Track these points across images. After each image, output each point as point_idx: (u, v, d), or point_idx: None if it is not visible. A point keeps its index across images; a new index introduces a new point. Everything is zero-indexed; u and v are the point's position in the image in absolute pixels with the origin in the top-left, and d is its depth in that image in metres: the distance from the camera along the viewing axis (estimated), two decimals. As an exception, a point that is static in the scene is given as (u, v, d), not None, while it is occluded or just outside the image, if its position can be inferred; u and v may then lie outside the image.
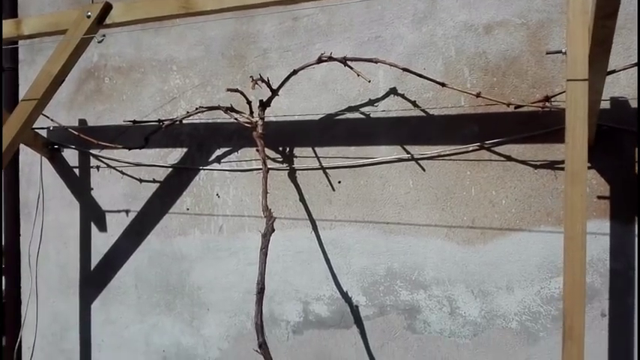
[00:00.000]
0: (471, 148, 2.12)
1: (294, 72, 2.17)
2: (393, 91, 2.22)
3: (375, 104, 2.25)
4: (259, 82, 2.13)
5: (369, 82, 2.01)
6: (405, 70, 2.03)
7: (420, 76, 2.02)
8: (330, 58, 2.07)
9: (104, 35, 2.76)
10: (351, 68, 2.04)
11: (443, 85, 2.00)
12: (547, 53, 1.64)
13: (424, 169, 2.19)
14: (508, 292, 2.07)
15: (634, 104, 1.93)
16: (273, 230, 1.92)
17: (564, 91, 1.88)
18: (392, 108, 2.22)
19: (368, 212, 2.27)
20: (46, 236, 2.90)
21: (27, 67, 2.94)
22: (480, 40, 2.12)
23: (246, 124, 2.27)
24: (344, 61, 2.04)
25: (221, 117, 2.49)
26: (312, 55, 2.34)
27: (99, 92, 2.79)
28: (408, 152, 2.21)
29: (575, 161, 1.47)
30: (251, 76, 2.12)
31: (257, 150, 2.21)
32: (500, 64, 2.10)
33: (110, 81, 2.77)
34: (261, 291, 1.77)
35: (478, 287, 2.11)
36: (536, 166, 2.05)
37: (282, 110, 2.40)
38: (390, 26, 2.24)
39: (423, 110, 2.18)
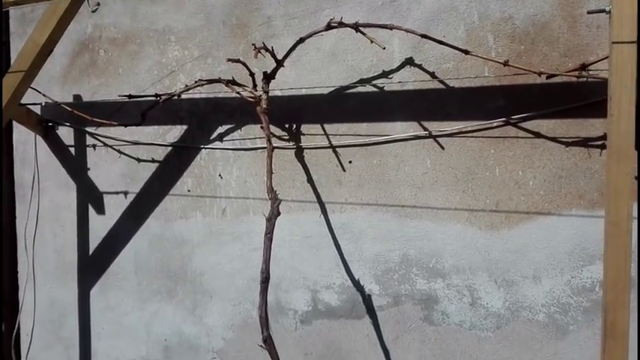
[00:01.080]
0: (495, 124, 1.94)
1: (301, 40, 1.99)
2: (409, 62, 2.04)
3: (390, 76, 2.07)
4: (263, 51, 1.95)
5: (384, 49, 1.83)
6: (423, 36, 1.84)
7: (441, 42, 1.83)
8: (341, 24, 1.89)
9: (98, 4, 2.59)
10: (364, 35, 1.85)
11: (466, 52, 1.81)
12: (588, 12, 1.45)
13: (443, 148, 2.01)
14: (535, 281, 1.91)
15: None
16: (279, 214, 1.77)
17: (604, 58, 1.70)
18: (408, 80, 2.04)
19: (381, 194, 2.11)
20: (42, 219, 2.78)
21: (19, 39, 2.78)
22: (505, 4, 1.92)
23: (250, 99, 2.10)
24: (356, 27, 1.86)
25: (223, 91, 2.32)
26: (320, 22, 2.15)
27: (94, 66, 2.63)
28: (425, 129, 2.03)
29: (620, 136, 1.30)
30: (253, 44, 1.95)
31: (261, 127, 2.05)
32: (528, 30, 1.90)
33: (105, 54, 2.60)
34: (265, 280, 1.63)
35: (502, 276, 1.95)
36: (567, 144, 1.87)
37: (288, 83, 2.22)
38: (406, -11, 2.04)
39: (443, 82, 2.00)
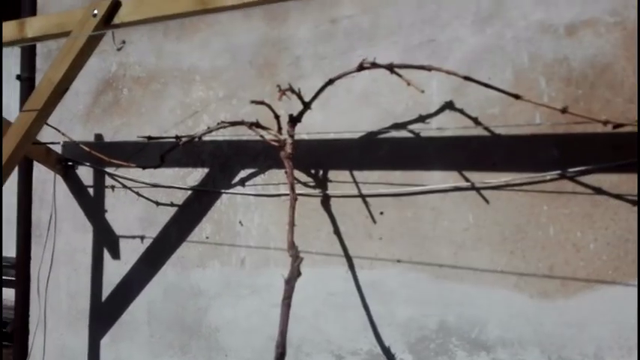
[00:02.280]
0: (548, 177, 1.68)
1: (330, 81, 1.79)
2: (449, 106, 1.81)
3: (427, 121, 1.85)
4: (289, 93, 1.76)
5: (422, 92, 1.61)
6: (466, 78, 1.61)
7: (487, 85, 1.60)
8: (374, 65, 1.68)
9: (124, 42, 2.47)
10: (400, 76, 1.64)
11: (517, 97, 1.57)
12: (670, 54, 1.20)
13: (488, 202, 1.76)
14: (597, 361, 1.60)
15: None
16: (299, 274, 1.53)
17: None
18: (448, 126, 1.81)
19: (416, 251, 1.85)
20: (56, 261, 2.61)
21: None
22: (560, 44, 1.68)
23: (273, 143, 1.90)
24: (391, 68, 1.65)
25: (247, 134, 2.14)
26: (352, 62, 1.95)
27: (117, 105, 2.49)
28: (467, 179, 1.78)
29: None
30: (278, 85, 1.76)
31: (285, 172, 1.84)
32: (586, 72, 1.66)
33: (129, 92, 2.47)
34: (280, 356, 1.37)
35: (557, 353, 1.65)
36: (634, 202, 1.59)
37: (315, 127, 2.02)
38: (446, 28, 1.83)
39: (487, 129, 1.76)
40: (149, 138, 2.14)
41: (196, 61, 2.31)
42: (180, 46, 2.35)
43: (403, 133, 1.88)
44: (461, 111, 1.79)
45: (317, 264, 2.01)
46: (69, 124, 2.56)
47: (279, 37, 2.13)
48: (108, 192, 2.50)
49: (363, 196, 1.94)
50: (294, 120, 1.89)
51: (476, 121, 1.76)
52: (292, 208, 1.73)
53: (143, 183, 2.40)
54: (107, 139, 2.51)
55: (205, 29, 2.29)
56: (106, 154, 2.33)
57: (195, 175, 2.30)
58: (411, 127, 1.87)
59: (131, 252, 2.43)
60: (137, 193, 2.42)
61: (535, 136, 1.70)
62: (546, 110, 1.66)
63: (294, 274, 1.50)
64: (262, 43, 2.16)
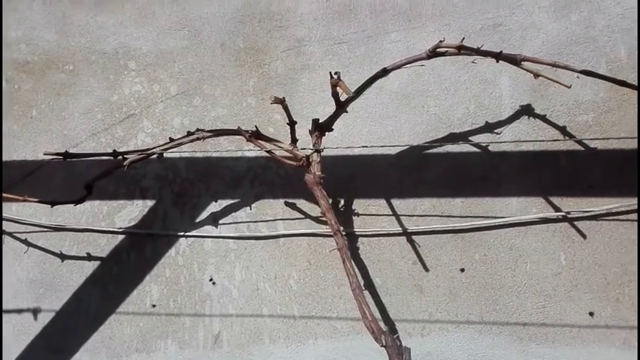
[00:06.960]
0: (660, 203, 1.30)
1: (385, 71, 1.19)
2: (526, 111, 1.35)
3: (497, 130, 1.35)
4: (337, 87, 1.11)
5: (569, 87, 1.10)
6: (587, 73, 1.15)
7: (624, 84, 1.15)
8: (463, 49, 1.13)
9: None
10: (534, 73, 1.10)
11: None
12: None
13: (585, 236, 1.32)
14: None
15: None
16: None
17: None
18: (526, 137, 1.34)
19: (490, 306, 1.33)
20: None
21: None
22: (658, 37, 1.34)
23: (289, 162, 1.23)
24: (497, 55, 1.11)
25: (219, 148, 1.42)
26: (383, 49, 1.40)
27: (-16, 103, 1.54)
28: (556, 208, 1.32)
29: None
30: (335, 72, 1.10)
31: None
32: (687, 73, 1.33)
33: (8, 84, 1.54)
34: None
35: None
36: None
37: (332, 138, 1.38)
38: (518, 10, 1.37)
39: (579, 142, 1.32)
40: (65, 156, 1.27)
41: (130, 41, 1.50)
42: (101, 17, 1.52)
43: (464, 147, 1.36)
44: (543, 118, 1.34)
45: (340, 333, 1.37)
46: None
47: (269, 11, 1.46)
48: (-33, 241, 1.52)
49: (407, 234, 1.36)
50: (323, 127, 1.24)
51: (564, 131, 1.32)
52: (348, 259, 1.08)
53: (36, 226, 1.49)
54: (-35, 157, 1.53)
55: (145, -8, 1.50)
56: (-29, 181, 1.39)
57: (130, 212, 1.48)
58: (475, 138, 1.35)
59: (14, 334, 1.50)
60: (25, 242, 1.49)
61: (640, 151, 1.31)
62: (650, 118, 1.29)
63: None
64: (241, 18, 1.47)
